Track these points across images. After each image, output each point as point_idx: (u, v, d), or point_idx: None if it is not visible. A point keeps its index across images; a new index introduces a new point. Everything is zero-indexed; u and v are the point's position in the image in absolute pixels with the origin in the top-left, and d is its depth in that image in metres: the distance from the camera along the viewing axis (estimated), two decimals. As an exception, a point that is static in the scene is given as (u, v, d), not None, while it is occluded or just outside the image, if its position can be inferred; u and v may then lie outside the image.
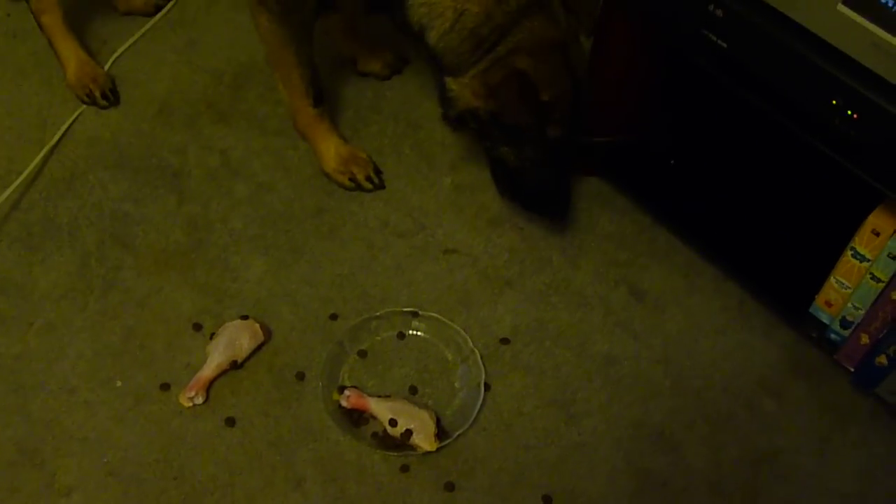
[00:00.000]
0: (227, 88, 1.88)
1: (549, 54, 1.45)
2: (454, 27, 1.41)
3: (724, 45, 1.36)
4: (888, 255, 1.34)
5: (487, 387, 1.50)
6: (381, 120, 1.86)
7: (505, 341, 1.56)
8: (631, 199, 1.74)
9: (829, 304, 1.49)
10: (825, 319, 1.51)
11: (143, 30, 1.95)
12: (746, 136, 1.65)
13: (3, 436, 1.42)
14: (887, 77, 1.20)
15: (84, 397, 1.47)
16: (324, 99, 1.69)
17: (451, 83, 1.48)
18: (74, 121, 1.80)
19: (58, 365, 1.50)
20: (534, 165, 1.53)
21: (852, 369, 1.48)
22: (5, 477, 1.38)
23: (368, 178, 1.72)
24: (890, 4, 1.16)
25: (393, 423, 1.42)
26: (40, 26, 1.81)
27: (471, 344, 1.52)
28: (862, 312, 1.43)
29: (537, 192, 1.59)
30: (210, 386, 1.48)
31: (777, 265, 1.59)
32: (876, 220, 1.34)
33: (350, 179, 1.72)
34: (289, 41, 1.58)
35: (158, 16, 1.98)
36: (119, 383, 1.48)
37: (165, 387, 1.48)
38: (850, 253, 1.40)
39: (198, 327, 1.55)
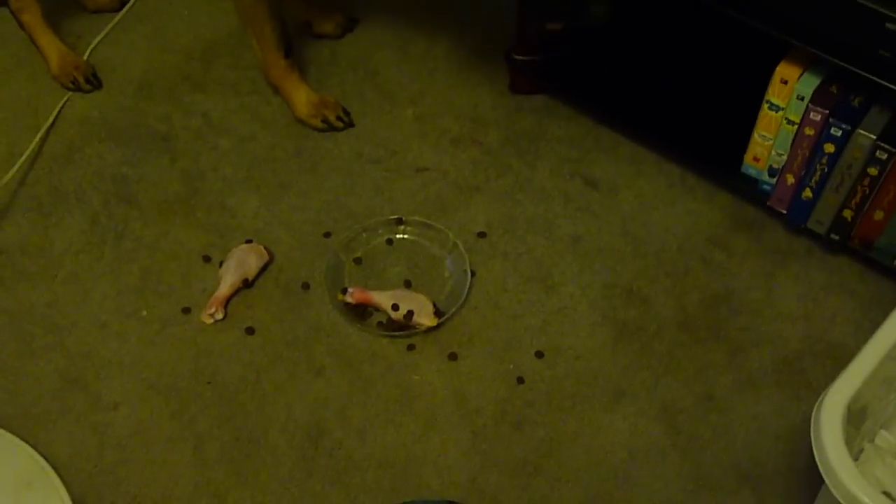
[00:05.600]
0: (198, 62, 2.06)
1: None
2: None
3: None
4: (797, 98, 1.56)
5: (472, 273, 1.69)
6: (341, 72, 2.05)
7: (482, 235, 1.75)
8: (574, 108, 1.95)
9: (756, 158, 1.71)
10: (755, 174, 1.73)
11: (112, 23, 2.13)
12: (663, 26, 1.87)
13: (46, 369, 1.57)
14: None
15: (114, 329, 1.63)
16: (293, 51, 1.88)
17: None
18: (64, 105, 1.97)
19: (86, 306, 1.65)
20: None
21: (785, 211, 1.70)
22: (55, 401, 1.53)
23: (339, 118, 1.91)
24: None
25: (395, 307, 1.60)
26: (21, 25, 1.97)
27: (453, 238, 1.72)
28: (785, 157, 1.65)
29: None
30: (227, 304, 1.65)
31: (706, 138, 1.80)
32: (783, 70, 1.56)
33: (322, 121, 1.91)
34: None
35: (124, 10, 2.16)
36: (144, 313, 1.64)
37: (187, 310, 1.64)
38: (766, 106, 1.62)
39: (207, 259, 1.71)
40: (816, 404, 1.14)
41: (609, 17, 1.56)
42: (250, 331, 1.62)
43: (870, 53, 1.40)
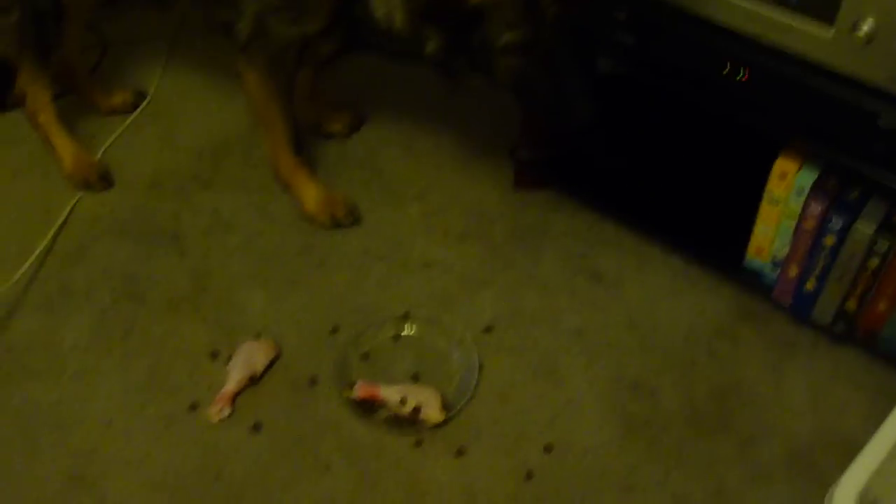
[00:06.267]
0: (208, 162, 2.10)
1: None
2: None
3: (632, 41, 1.63)
4: (797, 191, 1.58)
5: (480, 367, 1.69)
6: (349, 170, 2.09)
7: (488, 329, 1.76)
8: (577, 202, 1.98)
9: (759, 251, 1.73)
10: (758, 266, 1.75)
11: (125, 124, 2.18)
12: (667, 125, 1.91)
13: (50, 468, 1.56)
14: (762, 39, 1.48)
15: (120, 427, 1.62)
16: (303, 148, 1.92)
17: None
18: (76, 204, 2.00)
19: (92, 403, 1.65)
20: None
21: (789, 303, 1.71)
22: (60, 502, 1.52)
23: (347, 215, 1.94)
24: (755, -20, 1.44)
25: (403, 402, 1.60)
26: (36, 125, 2.02)
27: (460, 332, 1.72)
28: (787, 249, 1.66)
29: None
30: (234, 400, 1.64)
31: (709, 230, 1.82)
32: (782, 163, 1.59)
33: (331, 218, 1.94)
34: (274, 95, 1.82)
35: (137, 111, 2.22)
36: (151, 410, 1.64)
37: (193, 407, 1.64)
38: (766, 199, 1.64)
39: (214, 355, 1.72)
40: (826, 498, 1.13)
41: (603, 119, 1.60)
42: (257, 427, 1.61)
43: (865, 148, 1.43)
